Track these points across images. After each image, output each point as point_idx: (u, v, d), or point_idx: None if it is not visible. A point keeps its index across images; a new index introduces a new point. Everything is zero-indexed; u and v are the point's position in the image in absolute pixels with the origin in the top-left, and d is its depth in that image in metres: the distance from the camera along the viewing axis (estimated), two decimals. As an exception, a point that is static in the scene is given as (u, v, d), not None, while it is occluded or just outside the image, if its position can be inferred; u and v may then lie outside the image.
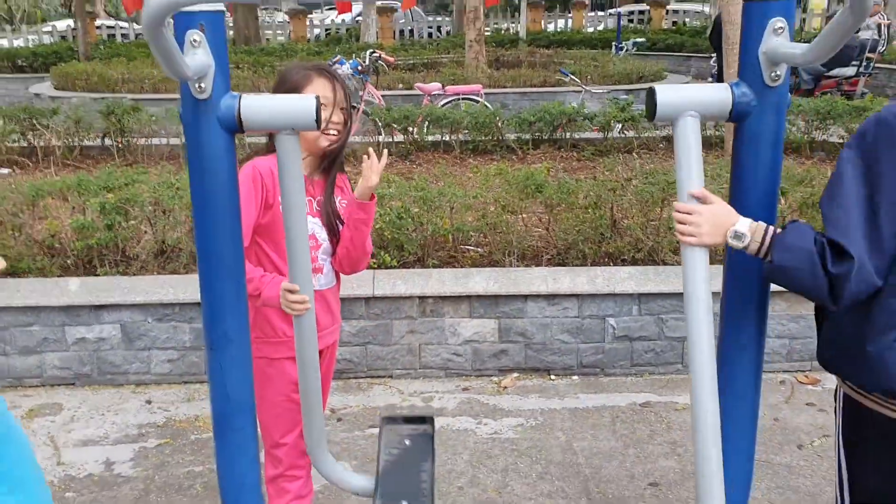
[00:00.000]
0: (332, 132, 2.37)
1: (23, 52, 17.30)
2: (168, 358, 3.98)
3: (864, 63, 12.57)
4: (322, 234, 2.40)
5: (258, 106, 1.85)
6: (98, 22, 21.21)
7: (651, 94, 1.84)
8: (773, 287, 3.21)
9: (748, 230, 1.80)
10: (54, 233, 4.38)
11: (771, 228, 1.82)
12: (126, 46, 18.51)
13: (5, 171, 7.15)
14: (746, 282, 1.98)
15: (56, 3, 35.08)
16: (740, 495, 2.14)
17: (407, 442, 2.30)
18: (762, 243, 1.80)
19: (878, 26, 13.74)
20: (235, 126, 1.85)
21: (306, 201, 2.27)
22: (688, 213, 1.80)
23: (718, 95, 1.83)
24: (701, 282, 1.82)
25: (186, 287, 3.97)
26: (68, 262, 4.30)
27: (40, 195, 4.46)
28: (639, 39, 17.53)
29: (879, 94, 13.28)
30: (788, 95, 1.85)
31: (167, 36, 1.55)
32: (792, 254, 1.73)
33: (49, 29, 21.88)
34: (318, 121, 1.85)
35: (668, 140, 7.09)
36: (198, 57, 1.76)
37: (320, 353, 2.34)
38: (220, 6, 1.82)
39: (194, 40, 1.77)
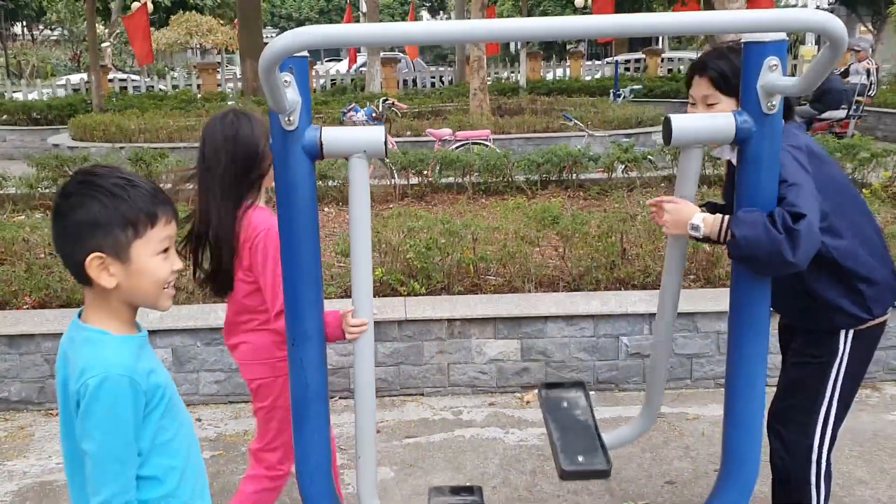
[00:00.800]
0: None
1: (38, 105, 17.82)
2: (215, 379, 4.29)
3: (853, 106, 13.04)
4: None
5: (336, 136, 2.22)
6: (110, 75, 21.81)
7: (667, 121, 2.20)
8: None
9: (702, 222, 2.31)
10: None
11: (727, 217, 2.27)
12: (138, 98, 19.06)
13: (39, 215, 7.51)
14: (750, 304, 2.32)
15: (65, 57, 35.90)
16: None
17: None
18: (720, 228, 2.27)
19: (867, 71, 14.26)
20: (317, 153, 2.21)
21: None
22: (656, 208, 2.41)
23: (724, 122, 2.20)
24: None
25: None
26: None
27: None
28: (636, 87, 18.09)
29: (869, 135, 13.76)
30: (782, 122, 2.21)
31: (278, 75, 1.92)
32: (748, 225, 2.16)
33: (63, 82, 22.49)
34: (385, 148, 2.21)
35: (669, 179, 7.48)
36: (290, 95, 2.13)
37: None
38: (306, 53, 2.19)
39: (286, 81, 2.14)
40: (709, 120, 2.22)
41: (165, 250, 1.70)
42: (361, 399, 2.38)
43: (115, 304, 1.69)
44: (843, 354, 2.58)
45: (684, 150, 2.33)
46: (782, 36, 2.16)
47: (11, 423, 4.17)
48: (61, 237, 1.66)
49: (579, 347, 4.30)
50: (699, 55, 2.76)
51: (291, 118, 2.16)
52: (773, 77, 2.13)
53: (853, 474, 3.45)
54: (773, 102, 2.16)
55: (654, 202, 2.50)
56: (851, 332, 2.56)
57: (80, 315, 1.73)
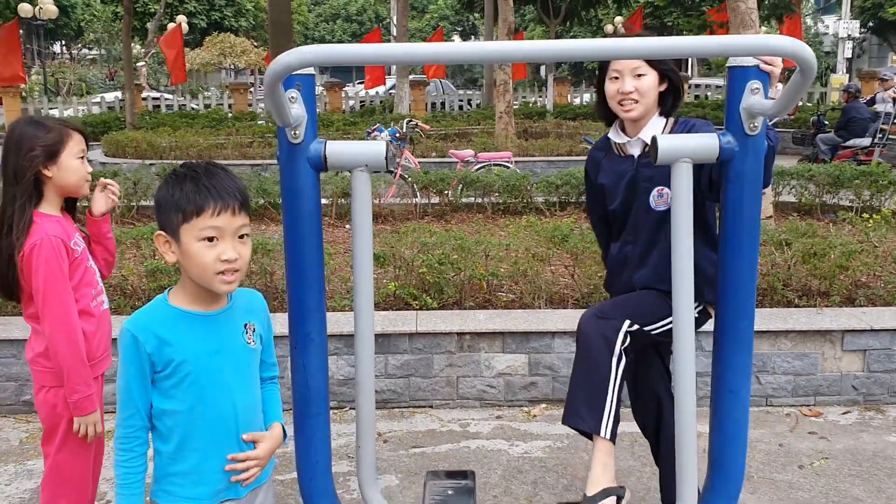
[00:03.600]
0: (89, 179, 2.71)
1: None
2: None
3: (879, 134, 13.01)
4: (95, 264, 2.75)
5: (340, 149, 2.34)
6: (144, 94, 22.31)
7: (654, 141, 2.31)
8: (781, 326, 3.83)
9: None
10: (128, 276, 4.90)
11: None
12: (170, 116, 19.47)
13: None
14: (734, 319, 2.41)
15: (102, 76, 36.72)
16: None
17: (450, 492, 2.67)
18: None
19: (894, 100, 14.24)
20: (322, 165, 2.33)
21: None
22: None
23: (709, 143, 2.30)
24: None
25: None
26: (138, 302, 4.79)
27: (118, 242, 4.99)
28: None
29: (894, 164, 13.71)
30: (765, 142, 2.31)
31: (281, 91, 2.06)
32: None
33: (98, 100, 23.05)
34: (387, 162, 2.34)
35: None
36: (295, 110, 2.26)
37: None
38: (312, 70, 2.33)
39: (292, 97, 2.27)
40: (694, 140, 2.32)
41: (211, 238, 1.87)
42: (362, 392, 2.48)
43: (186, 279, 1.95)
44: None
45: (674, 167, 2.42)
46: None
47: (33, 424, 4.32)
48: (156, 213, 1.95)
49: (585, 364, 4.38)
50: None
51: (297, 132, 2.29)
52: (754, 100, 2.23)
53: (850, 493, 3.50)
54: (755, 124, 2.26)
55: None
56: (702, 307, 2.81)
57: None
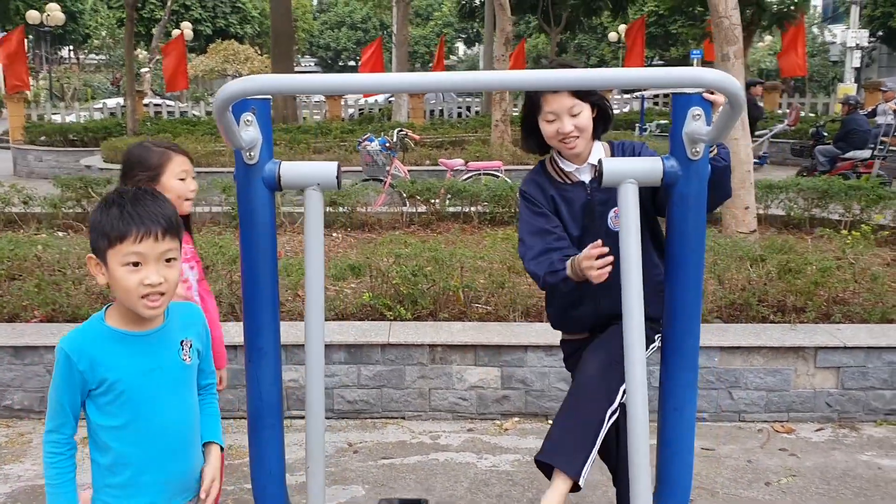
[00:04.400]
0: (192, 197, 2.92)
1: (75, 128, 18.40)
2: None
3: (879, 146, 13.00)
4: (192, 277, 2.95)
5: (293, 170, 2.39)
6: (146, 100, 22.42)
7: (600, 164, 2.35)
8: (754, 342, 3.90)
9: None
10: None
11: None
12: (171, 123, 19.55)
13: (61, 234, 7.81)
14: (681, 336, 2.44)
15: (107, 81, 36.92)
16: None
17: None
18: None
19: (895, 112, 14.23)
20: (276, 185, 2.38)
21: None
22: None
23: (653, 166, 2.33)
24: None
25: (226, 332, 4.47)
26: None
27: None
28: (662, 121, 18.18)
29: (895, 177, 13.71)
30: (707, 167, 2.35)
31: (230, 116, 2.11)
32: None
33: (100, 106, 23.19)
34: (338, 181, 2.38)
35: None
36: (249, 132, 2.31)
37: None
38: (268, 96, 2.38)
39: (247, 120, 2.32)
40: (639, 163, 2.36)
41: (136, 263, 1.92)
42: (312, 411, 2.51)
43: (119, 302, 1.99)
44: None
45: (620, 188, 2.45)
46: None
47: (12, 429, 4.37)
48: None
49: (559, 377, 4.41)
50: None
51: (252, 153, 2.34)
52: (696, 125, 2.27)
53: (814, 510, 3.52)
54: (697, 149, 2.29)
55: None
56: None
57: None
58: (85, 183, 8.42)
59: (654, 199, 2.80)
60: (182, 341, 2.08)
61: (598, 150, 2.78)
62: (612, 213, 2.75)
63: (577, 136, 2.70)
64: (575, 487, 2.66)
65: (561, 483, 2.64)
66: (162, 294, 1.95)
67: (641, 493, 2.39)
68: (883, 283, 4.81)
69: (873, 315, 4.62)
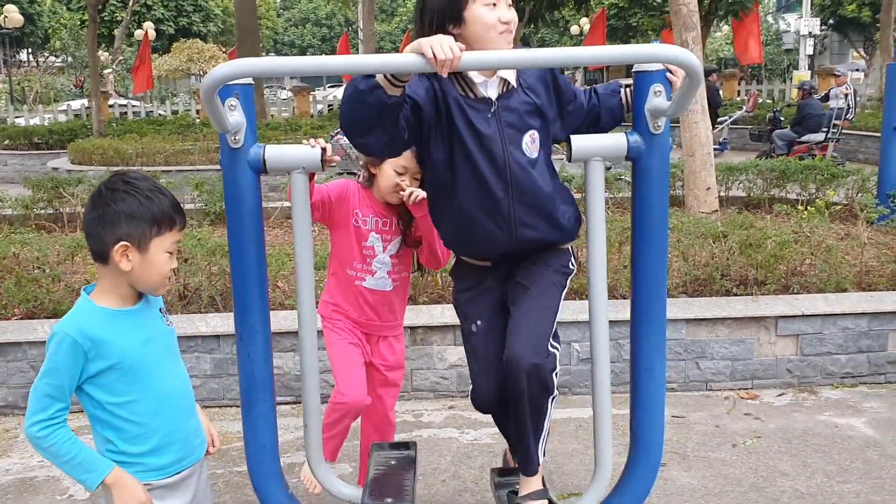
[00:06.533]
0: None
1: (39, 130, 18.23)
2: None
3: (832, 130, 13.37)
4: (379, 246, 3.06)
5: (278, 153, 2.51)
6: (111, 101, 22.26)
7: (568, 141, 2.50)
8: (718, 314, 4.10)
9: None
10: (89, 280, 5.02)
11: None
12: (137, 123, 19.45)
13: (32, 235, 7.81)
14: (648, 300, 2.60)
15: (69, 84, 36.48)
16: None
17: (393, 462, 2.87)
18: None
19: (846, 95, 14.63)
20: (261, 168, 2.50)
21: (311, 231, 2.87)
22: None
23: (618, 141, 2.49)
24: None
25: (208, 323, 4.58)
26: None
27: (81, 247, 5.11)
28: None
29: (850, 158, 14.10)
30: (670, 140, 2.51)
31: (217, 100, 2.23)
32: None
33: (64, 108, 22.99)
34: (322, 164, 2.51)
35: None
36: (234, 117, 2.43)
37: (368, 339, 3.16)
38: (250, 80, 2.49)
39: (231, 105, 2.44)
40: (604, 139, 2.52)
41: (172, 252, 2.10)
42: (307, 376, 2.64)
43: (120, 283, 2.08)
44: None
45: (588, 164, 2.61)
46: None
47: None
48: (97, 222, 2.04)
49: (534, 354, 4.57)
50: None
51: (237, 137, 2.46)
52: (657, 101, 2.43)
53: (777, 468, 3.71)
54: (659, 123, 2.46)
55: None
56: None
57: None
58: (55, 184, 8.43)
59: (562, 115, 2.64)
60: (160, 309, 2.23)
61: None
62: (527, 137, 2.51)
63: (512, 32, 2.44)
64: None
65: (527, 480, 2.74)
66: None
67: (604, 449, 2.58)
68: (837, 255, 5.04)
69: (829, 285, 4.84)
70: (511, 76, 2.51)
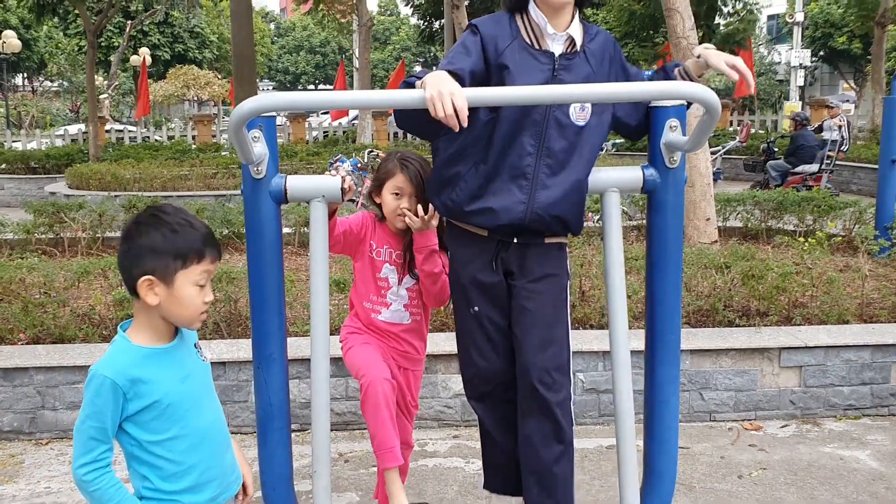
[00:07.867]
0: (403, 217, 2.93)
1: (36, 155, 18.24)
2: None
3: (826, 161, 13.51)
4: (393, 278, 3.06)
5: (299, 183, 2.56)
6: (107, 126, 22.31)
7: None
8: (722, 345, 4.10)
9: None
10: (95, 305, 5.04)
11: None
12: (134, 148, 19.50)
13: (35, 259, 7.81)
14: (663, 332, 2.64)
15: (65, 108, 36.56)
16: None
17: None
18: None
19: (839, 127, 14.80)
20: (282, 198, 2.54)
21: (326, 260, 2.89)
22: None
23: (634, 174, 2.54)
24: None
25: (213, 349, 4.59)
26: (105, 332, 4.92)
27: (87, 273, 5.12)
28: (618, 140, 18.60)
29: (844, 189, 14.24)
30: (684, 174, 2.56)
31: (245, 133, 2.27)
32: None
33: (61, 132, 23.02)
34: (343, 193, 2.55)
35: (639, 229, 7.84)
36: (258, 148, 2.48)
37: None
38: (274, 114, 2.54)
39: (255, 137, 2.49)
40: (620, 172, 2.57)
41: (202, 285, 2.06)
42: (317, 417, 2.65)
43: (153, 318, 2.07)
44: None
45: (604, 196, 2.66)
46: (682, 102, 2.53)
47: (3, 451, 4.42)
48: (125, 256, 2.06)
49: (539, 383, 4.58)
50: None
51: (260, 168, 2.51)
52: (673, 136, 2.49)
53: (784, 500, 3.73)
54: (675, 158, 2.51)
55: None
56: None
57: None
58: (57, 208, 8.45)
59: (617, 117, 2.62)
60: (195, 344, 2.22)
61: (577, 26, 2.52)
62: (576, 106, 2.46)
63: None
64: None
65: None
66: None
67: (630, 487, 2.59)
68: (838, 286, 5.09)
69: (831, 316, 4.89)
70: (578, 36, 2.51)
